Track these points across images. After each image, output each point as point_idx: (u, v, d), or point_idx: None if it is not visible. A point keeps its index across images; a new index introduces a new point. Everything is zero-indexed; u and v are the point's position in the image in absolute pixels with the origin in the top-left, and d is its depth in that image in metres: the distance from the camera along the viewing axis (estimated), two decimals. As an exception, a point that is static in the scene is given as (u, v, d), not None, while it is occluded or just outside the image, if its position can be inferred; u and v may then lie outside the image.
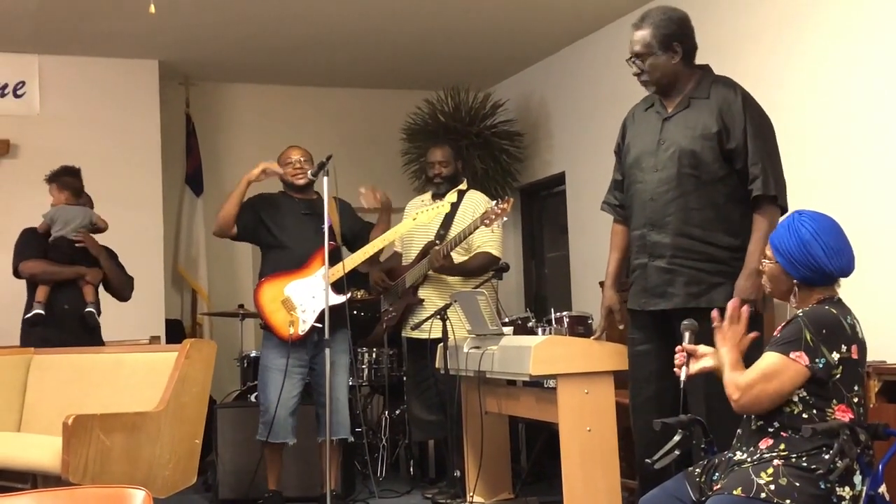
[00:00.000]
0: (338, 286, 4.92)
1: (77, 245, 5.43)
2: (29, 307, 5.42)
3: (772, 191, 3.56)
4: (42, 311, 5.34)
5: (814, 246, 2.82)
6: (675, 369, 3.05)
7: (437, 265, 5.20)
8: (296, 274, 5.02)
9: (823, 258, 2.82)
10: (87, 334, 5.45)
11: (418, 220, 5.15)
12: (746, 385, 2.78)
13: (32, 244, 5.48)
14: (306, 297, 4.98)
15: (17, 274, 5.47)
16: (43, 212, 5.54)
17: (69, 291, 5.45)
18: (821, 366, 2.72)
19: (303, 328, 4.94)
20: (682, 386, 3.04)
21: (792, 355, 2.73)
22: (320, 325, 4.91)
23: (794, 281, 2.88)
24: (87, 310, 5.45)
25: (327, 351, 4.64)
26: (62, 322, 5.42)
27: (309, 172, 4.80)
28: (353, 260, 4.96)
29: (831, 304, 2.85)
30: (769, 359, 2.78)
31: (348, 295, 4.88)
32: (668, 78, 3.72)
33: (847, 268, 2.87)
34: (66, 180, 5.52)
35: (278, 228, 5.14)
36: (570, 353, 4.10)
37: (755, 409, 2.80)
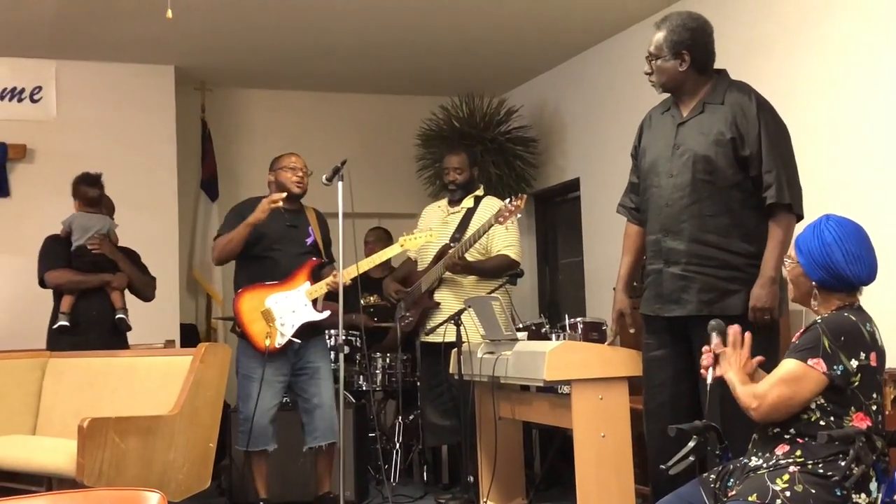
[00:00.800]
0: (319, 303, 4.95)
1: (94, 252, 5.43)
2: (55, 317, 5.41)
3: (786, 199, 3.55)
4: (67, 323, 5.32)
5: (834, 250, 2.81)
6: (702, 370, 3.00)
7: (455, 268, 5.19)
8: (278, 287, 4.99)
9: (842, 263, 2.81)
10: (116, 339, 5.45)
11: (405, 247, 5.15)
12: (764, 393, 2.77)
13: (56, 253, 5.45)
14: (286, 310, 4.96)
15: (42, 284, 5.46)
16: (60, 216, 5.55)
17: (96, 298, 5.44)
18: (839, 373, 2.70)
19: (279, 341, 4.92)
20: (708, 388, 3.00)
21: (810, 362, 2.72)
22: (298, 341, 4.94)
23: (813, 283, 2.87)
24: (119, 316, 5.45)
25: (341, 356, 4.65)
26: (90, 329, 5.40)
27: (323, 177, 4.77)
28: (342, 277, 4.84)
29: (851, 310, 2.83)
30: (787, 366, 2.77)
31: (327, 313, 4.88)
32: (674, 83, 3.73)
33: (866, 277, 2.85)
34: (78, 189, 5.50)
35: (263, 238, 5.06)
36: (585, 358, 4.09)
37: (774, 417, 2.79)
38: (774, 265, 3.52)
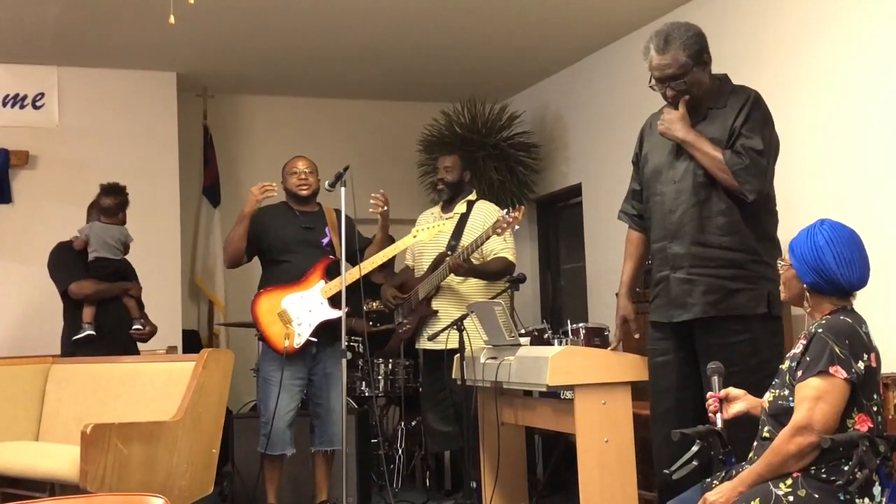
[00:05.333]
0: (336, 301, 4.93)
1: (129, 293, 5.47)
2: (71, 327, 5.39)
3: (737, 166, 3.50)
4: (93, 332, 5.32)
5: (826, 253, 2.81)
6: (710, 415, 3.01)
7: (458, 269, 5.17)
8: (293, 287, 5.02)
9: (833, 266, 2.80)
10: (132, 347, 5.49)
11: (418, 238, 5.15)
12: (808, 423, 2.67)
13: (74, 263, 5.43)
14: (303, 310, 4.98)
15: (66, 295, 5.40)
16: (62, 222, 5.55)
17: (112, 307, 5.45)
18: (855, 377, 2.69)
19: (298, 342, 4.94)
20: (720, 431, 3.00)
21: (831, 370, 2.69)
22: (315, 340, 4.94)
23: (805, 286, 2.87)
24: (135, 327, 5.49)
25: (343, 362, 4.65)
26: (108, 338, 5.40)
27: (326, 183, 4.79)
28: (352, 275, 4.88)
29: (845, 313, 2.83)
30: (813, 384, 2.71)
31: (347, 309, 4.85)
32: (707, 90, 3.67)
33: (858, 281, 2.85)
34: (98, 197, 5.52)
35: (278, 242, 5.12)
36: (588, 363, 4.09)
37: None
38: (694, 136, 3.59)
